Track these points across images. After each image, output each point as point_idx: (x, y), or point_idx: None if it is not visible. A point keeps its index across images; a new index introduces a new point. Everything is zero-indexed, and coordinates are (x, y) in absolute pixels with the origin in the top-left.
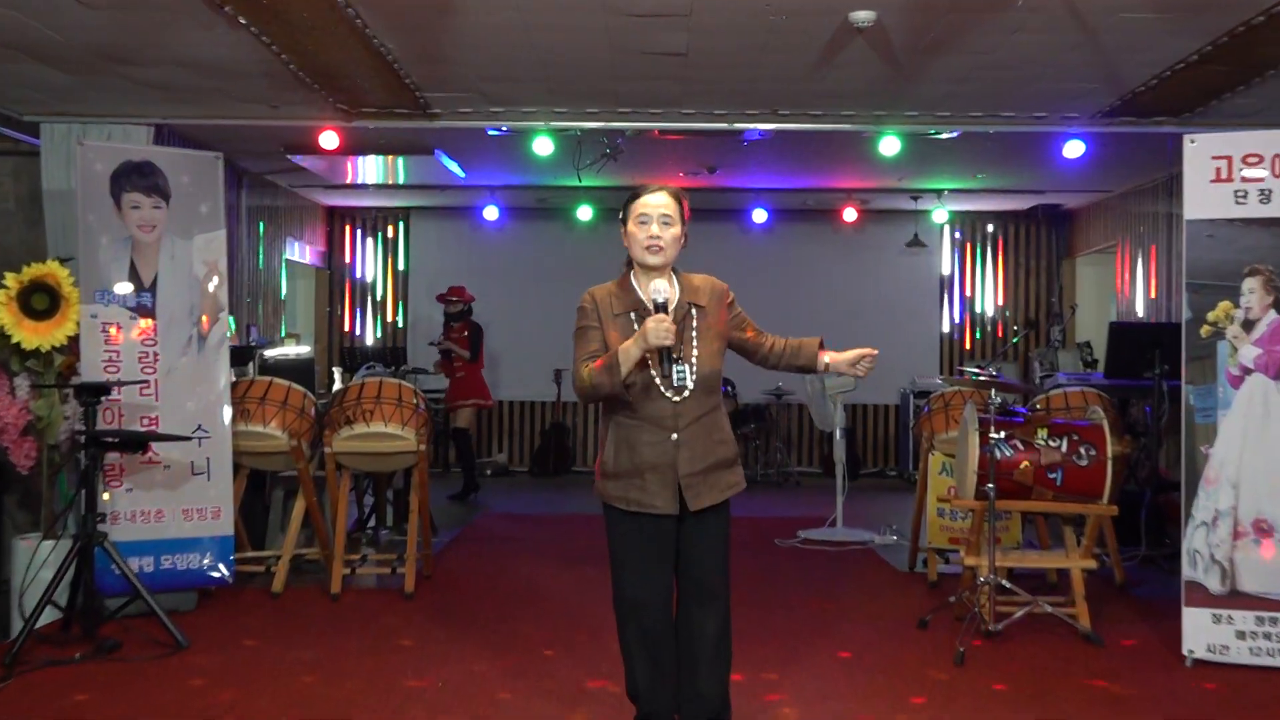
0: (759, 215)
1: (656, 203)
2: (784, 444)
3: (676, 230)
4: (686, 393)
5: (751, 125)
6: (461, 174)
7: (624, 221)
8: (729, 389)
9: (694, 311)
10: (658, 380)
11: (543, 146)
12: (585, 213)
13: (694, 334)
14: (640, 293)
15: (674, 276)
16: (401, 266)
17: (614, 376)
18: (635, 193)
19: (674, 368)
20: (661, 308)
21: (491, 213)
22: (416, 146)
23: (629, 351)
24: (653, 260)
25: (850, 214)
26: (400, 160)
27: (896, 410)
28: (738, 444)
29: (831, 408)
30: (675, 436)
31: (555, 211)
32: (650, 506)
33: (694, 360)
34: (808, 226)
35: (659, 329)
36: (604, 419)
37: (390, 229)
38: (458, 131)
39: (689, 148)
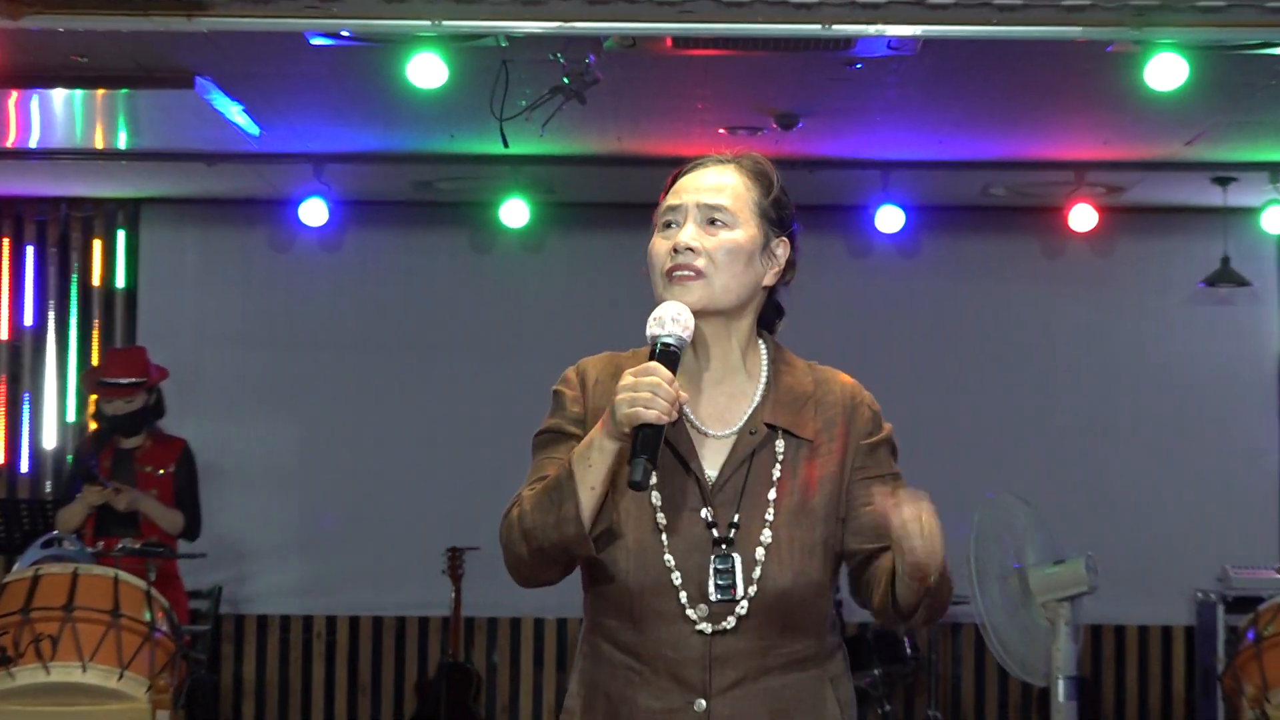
0: (888, 219)
1: (699, 183)
2: (943, 711)
3: (740, 236)
4: (732, 618)
5: (870, 28)
6: (255, 130)
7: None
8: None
9: (779, 444)
10: (674, 576)
11: (426, 71)
12: (516, 212)
13: (771, 493)
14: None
15: (760, 349)
16: (120, 318)
17: (561, 506)
18: (674, 177)
19: (642, 467)
20: (664, 353)
21: (315, 211)
22: (159, 72)
23: (589, 449)
24: (678, 299)
25: (1083, 215)
26: (122, 102)
27: (1187, 636)
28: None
29: (1045, 629)
30: (703, 705)
31: (453, 211)
32: None
33: (759, 554)
34: (992, 241)
35: (637, 385)
36: (580, 645)
37: (97, 244)
38: (247, 41)
39: (738, 77)
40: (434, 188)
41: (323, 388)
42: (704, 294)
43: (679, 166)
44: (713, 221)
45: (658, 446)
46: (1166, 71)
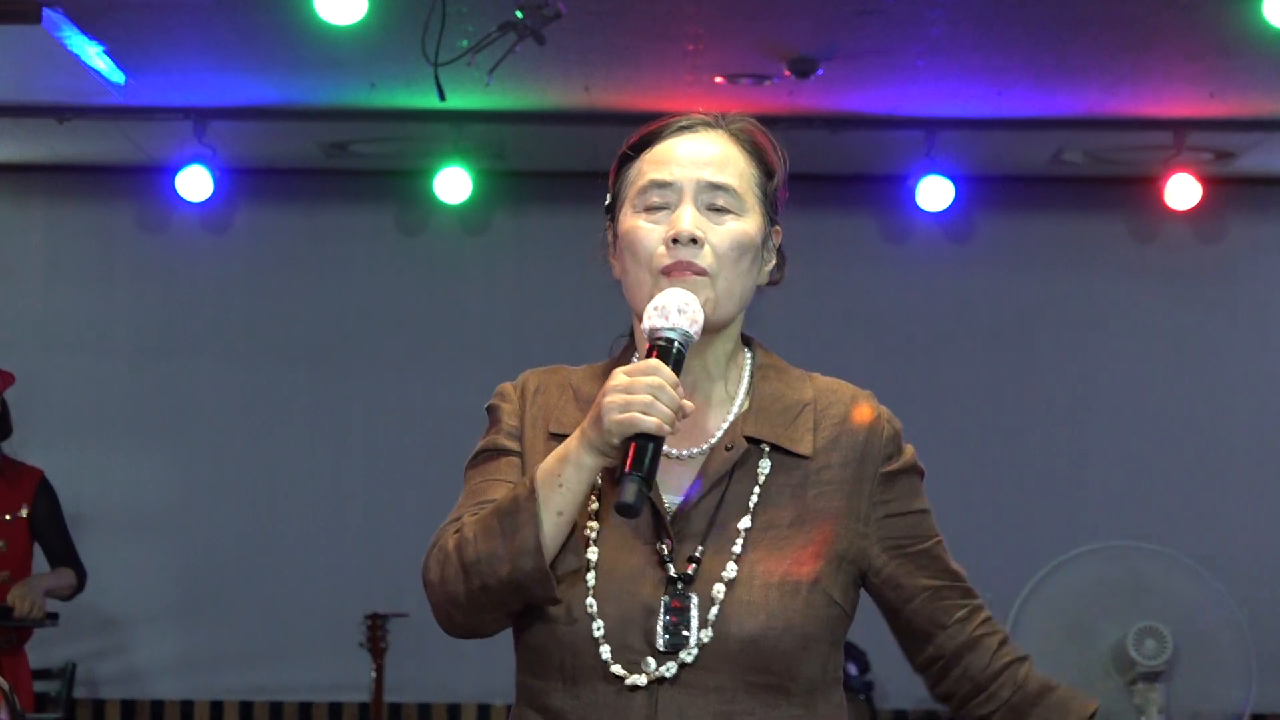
0: (933, 193)
1: (696, 154)
2: None
3: (749, 226)
4: (672, 664)
5: None
6: (119, 78)
7: (611, 210)
8: (856, 672)
9: (763, 463)
10: (594, 625)
11: (339, 3)
12: (455, 183)
13: (744, 521)
14: None
15: (745, 356)
16: None
17: (516, 534)
18: (646, 134)
19: (636, 487)
20: (664, 351)
21: (196, 181)
22: None
23: (562, 465)
24: (686, 315)
25: (1183, 189)
26: None
27: None
28: None
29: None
30: None
31: (374, 181)
32: None
33: (718, 590)
34: (1065, 222)
35: (633, 385)
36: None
37: None
38: None
39: (740, 9)
40: (349, 152)
41: (206, 408)
42: (708, 298)
43: (649, 123)
44: (716, 207)
45: (656, 464)
46: None
